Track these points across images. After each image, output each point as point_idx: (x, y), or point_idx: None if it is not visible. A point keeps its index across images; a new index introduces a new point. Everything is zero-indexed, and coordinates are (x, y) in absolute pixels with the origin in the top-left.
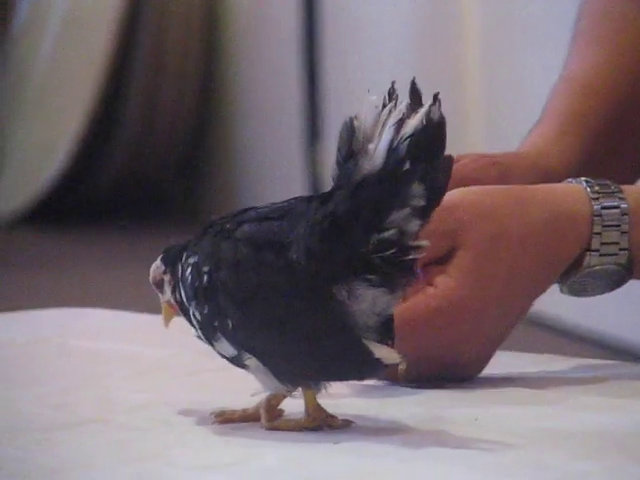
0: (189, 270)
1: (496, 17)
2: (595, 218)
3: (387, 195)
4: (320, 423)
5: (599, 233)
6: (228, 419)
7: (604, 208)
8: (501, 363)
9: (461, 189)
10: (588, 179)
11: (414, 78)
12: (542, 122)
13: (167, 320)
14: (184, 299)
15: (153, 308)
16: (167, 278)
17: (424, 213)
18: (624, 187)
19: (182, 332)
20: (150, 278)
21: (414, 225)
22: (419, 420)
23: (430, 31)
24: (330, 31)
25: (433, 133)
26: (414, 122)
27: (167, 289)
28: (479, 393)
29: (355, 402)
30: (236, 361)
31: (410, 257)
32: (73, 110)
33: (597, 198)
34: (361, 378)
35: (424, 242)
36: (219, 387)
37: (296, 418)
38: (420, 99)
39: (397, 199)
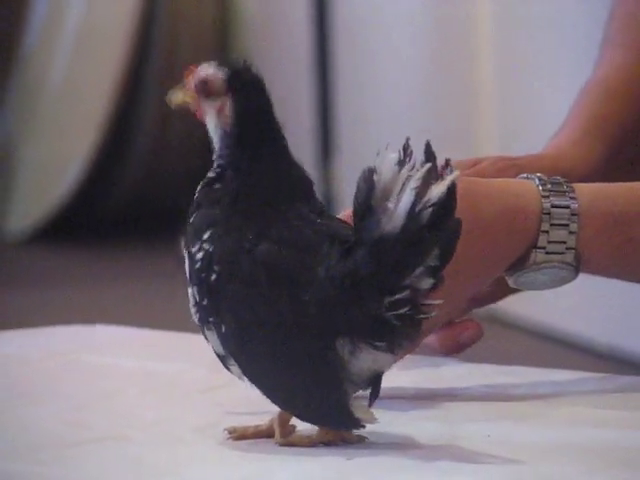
0: (201, 254)
1: (509, 31)
2: (544, 216)
3: (406, 258)
4: (334, 437)
5: (546, 231)
6: (241, 435)
7: (554, 206)
8: (511, 377)
9: None
10: (542, 176)
11: (429, 141)
12: (566, 125)
13: (178, 101)
14: (186, 269)
15: (165, 325)
16: (221, 102)
17: (436, 272)
18: (578, 186)
19: (194, 348)
20: (197, 75)
21: (426, 283)
22: (432, 436)
23: (444, 44)
24: (343, 49)
25: (450, 198)
26: (438, 191)
27: (212, 105)
28: (490, 408)
29: None
30: (222, 360)
31: (421, 316)
32: (85, 127)
33: (547, 196)
34: (335, 429)
35: (437, 301)
36: (232, 403)
37: (310, 433)
38: (435, 160)
39: (415, 263)
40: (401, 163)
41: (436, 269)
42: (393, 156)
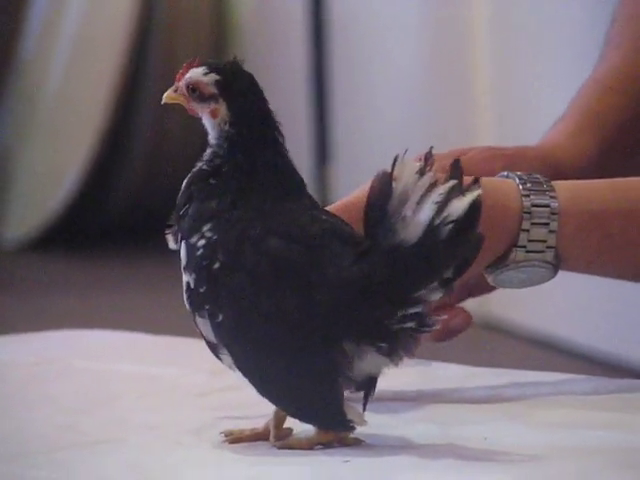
0: (203, 242)
1: (506, 34)
2: (524, 214)
3: (422, 272)
4: (331, 438)
5: (527, 230)
6: (238, 438)
7: (534, 205)
8: (505, 379)
9: None
10: (522, 175)
11: (459, 159)
12: (561, 120)
13: (170, 100)
14: (182, 258)
15: (161, 330)
16: (215, 106)
17: (448, 284)
18: (557, 184)
19: (193, 353)
20: (188, 80)
21: (437, 295)
22: (429, 438)
23: (440, 47)
24: (338, 55)
25: (472, 215)
26: (458, 207)
27: (205, 107)
28: (485, 409)
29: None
30: (211, 348)
31: (425, 329)
32: (82, 136)
33: (528, 195)
34: (327, 429)
35: (442, 316)
36: (229, 407)
37: (307, 435)
38: (461, 177)
39: (431, 277)
40: (421, 172)
41: (449, 281)
42: (415, 165)
